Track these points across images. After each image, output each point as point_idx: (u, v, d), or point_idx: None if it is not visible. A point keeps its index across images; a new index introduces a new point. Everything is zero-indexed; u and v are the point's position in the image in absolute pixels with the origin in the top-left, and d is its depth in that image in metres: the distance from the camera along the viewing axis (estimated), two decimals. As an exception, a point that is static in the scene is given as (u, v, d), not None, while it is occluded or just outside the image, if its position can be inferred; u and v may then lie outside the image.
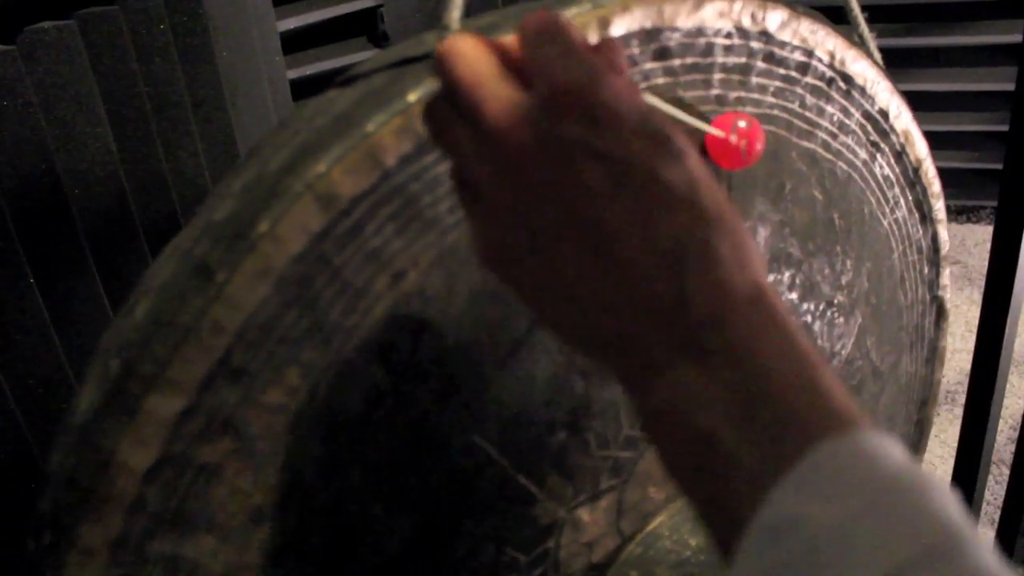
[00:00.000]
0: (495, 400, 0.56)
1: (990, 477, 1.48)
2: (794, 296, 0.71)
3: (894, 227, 0.83)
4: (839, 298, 0.76)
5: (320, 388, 0.51)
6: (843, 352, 0.77)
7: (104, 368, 0.49)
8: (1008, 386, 1.30)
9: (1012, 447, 1.33)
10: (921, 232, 0.87)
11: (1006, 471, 1.45)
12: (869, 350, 0.82)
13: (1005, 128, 1.36)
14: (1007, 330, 1.03)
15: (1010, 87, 1.06)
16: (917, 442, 0.99)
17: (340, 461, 0.52)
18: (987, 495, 1.66)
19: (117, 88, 0.99)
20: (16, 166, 0.90)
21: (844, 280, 0.76)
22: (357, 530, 0.54)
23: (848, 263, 0.76)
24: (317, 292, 0.50)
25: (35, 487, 1.19)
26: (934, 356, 0.95)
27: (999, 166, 1.14)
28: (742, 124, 0.53)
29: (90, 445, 0.47)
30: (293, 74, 1.38)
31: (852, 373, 0.79)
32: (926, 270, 0.90)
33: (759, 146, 0.54)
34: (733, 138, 0.53)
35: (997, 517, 1.37)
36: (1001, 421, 1.24)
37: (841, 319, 0.77)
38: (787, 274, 0.70)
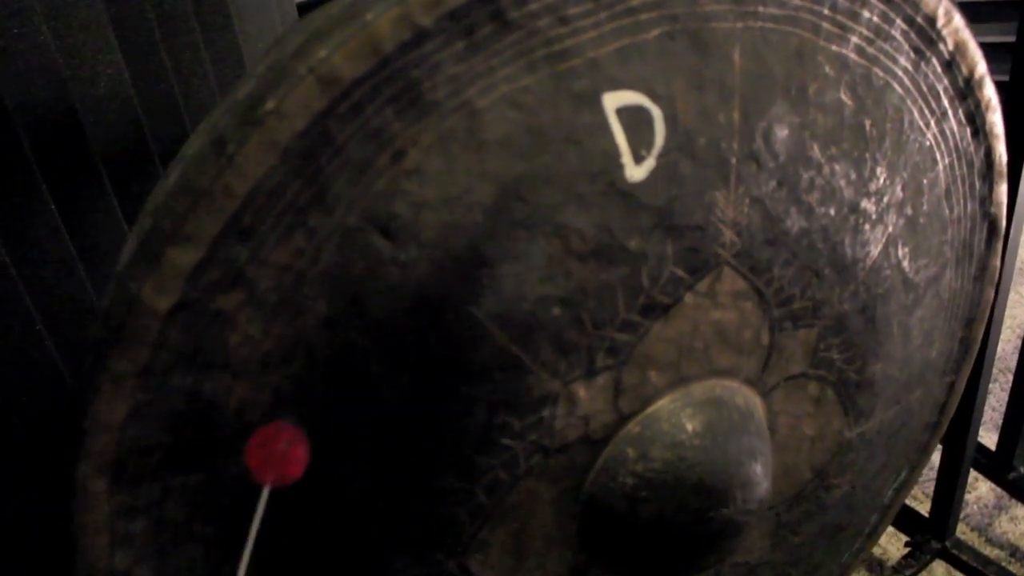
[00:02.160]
0: (490, 275, 0.60)
1: (996, 384, 1.47)
2: (812, 199, 0.72)
3: (940, 139, 0.82)
4: (865, 204, 0.76)
5: (324, 252, 0.57)
6: (867, 260, 0.78)
7: (140, 226, 0.56)
8: (1015, 296, 1.28)
9: (1016, 356, 1.33)
10: (973, 146, 0.86)
11: (1011, 377, 1.44)
12: (900, 260, 0.82)
13: (1005, 78, 1.30)
14: (1010, 239, 1.00)
15: (1011, 39, 1.01)
16: (961, 360, 0.98)
17: (341, 319, 0.58)
18: (992, 401, 1.66)
19: (126, 15, 1.02)
20: (31, 96, 0.93)
21: (873, 187, 0.76)
22: (357, 384, 0.60)
23: (879, 170, 0.76)
24: (321, 165, 0.55)
25: (66, 409, 1.31)
26: (983, 274, 0.94)
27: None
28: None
29: (122, 288, 0.54)
30: (300, -4, 1.41)
31: (879, 282, 0.80)
32: (978, 185, 0.88)
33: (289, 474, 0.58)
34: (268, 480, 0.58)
35: (1000, 422, 1.39)
36: (1008, 331, 1.22)
37: (867, 226, 0.77)
38: (805, 176, 0.71)
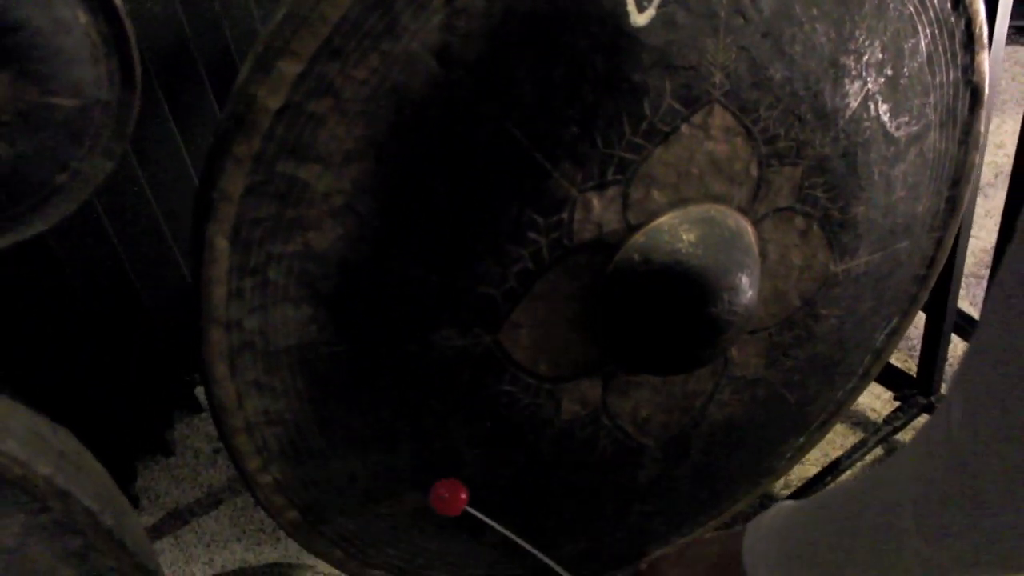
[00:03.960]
0: (521, 94, 0.81)
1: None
2: (794, 51, 0.91)
3: (920, 9, 1.00)
4: (844, 60, 0.95)
5: (392, 71, 0.78)
6: (847, 110, 0.97)
7: (255, 51, 0.79)
8: None
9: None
10: (954, 18, 1.03)
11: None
12: (880, 115, 1.00)
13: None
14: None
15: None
16: (948, 218, 1.16)
17: (405, 126, 0.80)
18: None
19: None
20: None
21: (852, 47, 0.95)
22: (416, 178, 0.82)
23: (857, 33, 0.95)
24: (392, 1, 0.76)
25: (132, 297, 1.56)
26: (968, 139, 1.11)
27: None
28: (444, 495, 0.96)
29: (242, 93, 0.77)
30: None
31: (859, 131, 0.99)
32: (959, 55, 1.06)
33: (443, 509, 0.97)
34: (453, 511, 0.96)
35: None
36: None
37: (846, 80, 0.96)
38: (788, 31, 0.90)
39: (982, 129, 1.12)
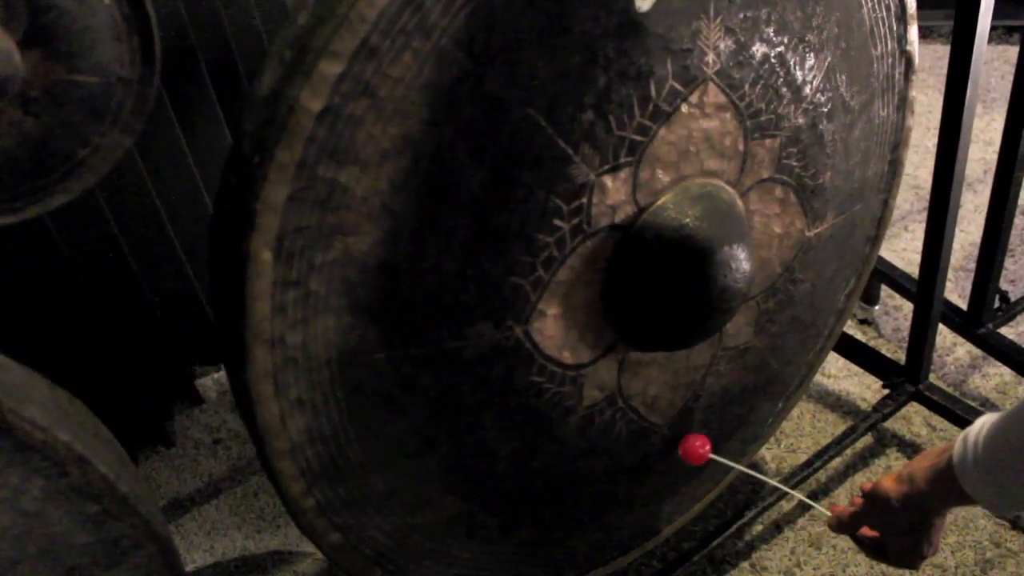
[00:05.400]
0: (543, 83, 0.86)
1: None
2: (770, 30, 0.99)
3: (862, -14, 1.10)
4: (810, 37, 1.04)
5: (425, 67, 0.81)
6: (814, 81, 1.06)
7: (279, 58, 0.80)
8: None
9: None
10: (888, -7, 1.14)
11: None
12: (839, 86, 1.10)
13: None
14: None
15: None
16: (891, 180, 1.28)
17: (437, 120, 0.83)
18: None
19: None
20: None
21: (815, 23, 1.04)
22: (448, 171, 0.85)
23: (818, 9, 1.04)
24: (422, -2, 0.79)
25: (133, 290, 1.56)
26: (904, 104, 1.23)
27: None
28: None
29: (281, 97, 0.78)
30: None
31: (824, 102, 1.08)
32: (895, 26, 1.17)
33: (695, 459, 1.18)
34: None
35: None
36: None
37: (812, 55, 1.05)
38: (764, 11, 0.98)
39: (914, 95, 1.24)
